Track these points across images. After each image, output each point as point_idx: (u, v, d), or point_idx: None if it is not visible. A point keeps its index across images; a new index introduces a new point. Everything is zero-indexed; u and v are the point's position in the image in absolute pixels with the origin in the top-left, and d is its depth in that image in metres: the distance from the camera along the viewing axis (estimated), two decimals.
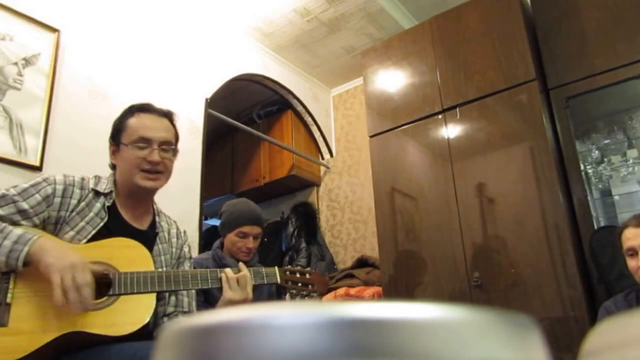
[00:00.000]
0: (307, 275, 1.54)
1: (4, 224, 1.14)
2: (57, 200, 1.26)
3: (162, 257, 1.40)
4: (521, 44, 2.42)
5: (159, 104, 1.46)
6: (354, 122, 4.04)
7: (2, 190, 1.22)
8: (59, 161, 2.18)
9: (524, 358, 0.22)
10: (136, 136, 1.34)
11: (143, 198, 1.41)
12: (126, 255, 1.24)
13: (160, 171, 1.36)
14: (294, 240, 3.70)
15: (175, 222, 1.55)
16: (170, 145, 1.39)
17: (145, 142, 1.34)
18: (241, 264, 1.43)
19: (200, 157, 2.91)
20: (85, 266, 1.13)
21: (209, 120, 3.05)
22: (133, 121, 1.37)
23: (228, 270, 1.37)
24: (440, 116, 2.64)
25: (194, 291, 1.49)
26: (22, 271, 1.13)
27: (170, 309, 1.41)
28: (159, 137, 1.36)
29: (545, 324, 2.01)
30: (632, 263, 1.59)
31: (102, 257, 1.21)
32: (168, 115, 1.43)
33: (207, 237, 3.10)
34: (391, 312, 0.21)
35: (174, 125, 1.44)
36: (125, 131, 1.36)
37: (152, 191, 1.40)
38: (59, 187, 1.27)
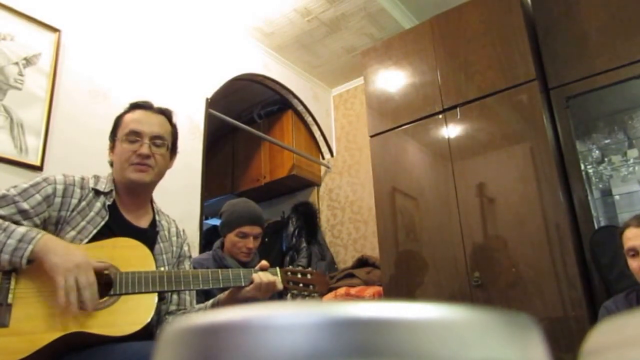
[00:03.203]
0: (309, 276, 1.54)
1: (6, 223, 1.15)
2: (58, 200, 1.26)
3: (164, 256, 1.40)
4: (522, 44, 2.42)
5: (159, 103, 1.47)
6: (354, 122, 4.04)
7: (2, 190, 1.22)
8: (60, 161, 2.18)
9: (524, 358, 0.22)
10: (127, 130, 1.35)
11: (139, 194, 1.41)
12: (127, 255, 1.24)
13: (150, 165, 1.36)
14: (294, 240, 3.70)
15: (174, 221, 1.55)
16: (162, 140, 1.39)
17: (136, 135, 1.35)
18: (268, 272, 1.43)
19: (201, 157, 2.91)
20: (89, 267, 1.13)
21: (210, 120, 3.05)
22: (127, 116, 1.39)
23: (262, 273, 1.39)
24: (440, 116, 2.64)
25: (194, 290, 1.50)
26: (24, 271, 1.13)
27: (172, 307, 1.41)
28: (150, 131, 1.36)
29: (546, 324, 2.01)
30: (633, 263, 1.59)
31: (104, 257, 1.21)
32: (165, 113, 1.44)
33: (208, 237, 3.10)
34: (391, 312, 0.21)
35: (172, 124, 1.45)
36: (120, 126, 1.38)
37: (143, 185, 1.38)
38: (59, 187, 1.27)
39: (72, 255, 1.12)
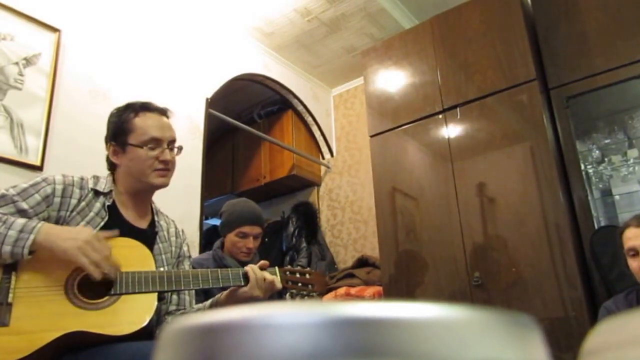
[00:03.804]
0: (307, 276, 1.54)
1: (5, 216, 1.15)
2: (57, 200, 1.26)
3: (163, 256, 1.40)
4: (522, 44, 2.42)
5: (160, 103, 1.47)
6: (354, 122, 4.04)
7: (2, 190, 1.22)
8: (60, 161, 2.18)
9: (524, 358, 0.22)
10: (147, 137, 1.35)
11: (146, 197, 1.43)
12: (127, 255, 1.24)
13: (170, 169, 1.40)
14: (294, 240, 3.70)
15: (173, 221, 1.55)
16: (175, 144, 1.42)
17: (157, 142, 1.37)
18: (267, 271, 1.43)
19: (201, 157, 2.91)
20: (98, 237, 1.16)
21: (210, 120, 3.05)
22: (139, 122, 1.37)
23: (255, 268, 1.39)
24: (440, 116, 2.64)
25: (194, 290, 1.50)
26: (24, 270, 1.13)
27: (172, 307, 1.41)
28: (168, 137, 1.39)
29: (546, 324, 2.01)
30: (633, 263, 1.59)
31: None
32: (167, 114, 1.45)
33: (208, 237, 3.10)
34: (391, 312, 0.21)
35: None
36: (134, 132, 1.36)
37: (159, 189, 1.42)
38: (59, 187, 1.27)
39: (77, 234, 1.14)
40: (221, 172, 4.29)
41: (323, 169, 4.07)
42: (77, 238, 1.13)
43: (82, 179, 1.34)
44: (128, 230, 1.33)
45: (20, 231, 1.11)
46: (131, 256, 1.25)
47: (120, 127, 1.38)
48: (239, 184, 4.16)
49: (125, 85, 2.57)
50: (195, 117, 2.94)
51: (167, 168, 1.38)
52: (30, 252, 1.12)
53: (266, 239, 3.70)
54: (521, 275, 2.17)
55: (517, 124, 2.38)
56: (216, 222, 3.03)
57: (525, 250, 2.18)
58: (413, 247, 2.57)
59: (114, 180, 1.39)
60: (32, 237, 1.11)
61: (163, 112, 1.43)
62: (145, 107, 1.41)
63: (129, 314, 1.17)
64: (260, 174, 4.00)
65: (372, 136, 2.92)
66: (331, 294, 2.92)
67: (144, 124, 1.37)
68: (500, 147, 2.39)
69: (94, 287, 1.16)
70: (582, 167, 2.28)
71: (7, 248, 1.09)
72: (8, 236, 1.10)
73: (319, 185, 4.06)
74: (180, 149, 1.44)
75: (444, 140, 2.59)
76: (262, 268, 1.42)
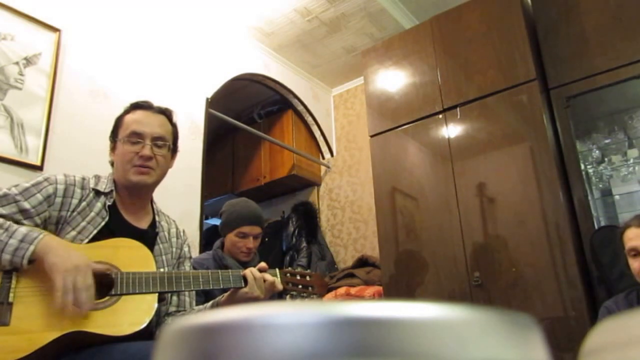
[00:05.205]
0: (308, 277, 1.54)
1: (8, 222, 1.15)
2: (59, 200, 1.26)
3: (163, 257, 1.40)
4: (522, 44, 2.42)
5: (159, 103, 1.47)
6: (354, 122, 4.04)
7: (4, 189, 1.22)
8: (60, 161, 2.19)
9: (524, 358, 0.22)
10: (129, 131, 1.34)
11: (140, 195, 1.41)
12: (128, 256, 1.24)
13: (152, 167, 1.35)
14: (294, 240, 3.70)
15: (174, 221, 1.55)
16: (164, 141, 1.38)
17: (138, 136, 1.34)
18: (267, 273, 1.43)
19: (201, 157, 2.91)
20: (88, 268, 1.13)
21: (210, 119, 3.05)
22: (128, 117, 1.38)
23: (253, 269, 1.38)
24: (440, 116, 2.64)
25: (194, 291, 1.50)
26: (25, 270, 1.13)
27: (172, 309, 1.41)
28: (152, 132, 1.35)
29: (546, 324, 2.01)
30: (634, 263, 1.59)
31: (104, 257, 1.21)
32: (165, 113, 1.43)
33: (208, 237, 3.09)
34: (391, 312, 0.21)
35: (172, 124, 1.44)
36: (121, 127, 1.37)
37: (145, 187, 1.38)
38: (60, 187, 1.27)
39: (71, 256, 1.12)
40: (221, 172, 4.29)
41: (323, 168, 4.07)
42: (69, 259, 1.11)
43: (83, 178, 1.34)
44: (128, 231, 1.33)
45: (21, 240, 1.11)
46: (131, 257, 1.25)
47: (115, 124, 1.40)
48: (239, 184, 4.16)
49: (125, 85, 2.57)
50: (195, 117, 2.94)
51: (147, 165, 1.34)
52: (30, 262, 1.11)
53: (266, 239, 3.70)
54: (521, 275, 2.17)
55: (517, 124, 2.38)
56: (216, 222, 3.03)
57: (525, 250, 2.18)
58: (413, 247, 2.57)
59: (114, 180, 1.39)
60: (32, 247, 1.11)
61: (158, 110, 1.42)
62: (139, 105, 1.41)
63: (129, 314, 1.17)
64: (260, 173, 4.01)
65: (372, 136, 2.92)
66: (331, 294, 2.92)
67: (130, 119, 1.37)
68: (500, 147, 2.40)
69: (94, 288, 1.16)
70: (582, 167, 2.28)
71: (6, 257, 1.09)
72: (8, 244, 1.10)
73: (319, 185, 4.06)
74: (170, 148, 1.40)
75: (444, 140, 2.59)
76: (260, 270, 1.41)
